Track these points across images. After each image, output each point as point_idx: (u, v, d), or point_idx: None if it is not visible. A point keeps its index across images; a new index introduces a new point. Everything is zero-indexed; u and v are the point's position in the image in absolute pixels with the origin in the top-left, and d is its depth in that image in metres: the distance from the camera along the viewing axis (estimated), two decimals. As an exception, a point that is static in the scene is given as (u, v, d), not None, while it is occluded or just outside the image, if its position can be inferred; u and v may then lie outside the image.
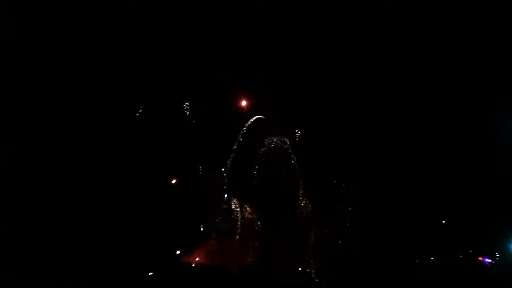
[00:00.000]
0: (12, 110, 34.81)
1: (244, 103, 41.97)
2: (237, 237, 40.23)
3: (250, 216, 40.63)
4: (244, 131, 41.49)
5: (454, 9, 37.28)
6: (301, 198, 40.03)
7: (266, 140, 41.27)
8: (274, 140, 41.07)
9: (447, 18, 37.77)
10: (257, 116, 41.78)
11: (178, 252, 38.82)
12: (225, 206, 40.62)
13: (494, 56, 36.72)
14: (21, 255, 31.91)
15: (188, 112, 41.21)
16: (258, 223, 40.39)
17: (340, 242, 39.46)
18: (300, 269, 39.55)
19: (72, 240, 34.47)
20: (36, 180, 35.37)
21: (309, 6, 39.35)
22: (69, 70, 37.46)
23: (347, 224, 39.50)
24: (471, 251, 38.77)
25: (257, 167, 40.56)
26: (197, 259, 38.73)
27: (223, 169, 40.81)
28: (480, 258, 38.47)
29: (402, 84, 39.34)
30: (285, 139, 41.14)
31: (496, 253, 38.37)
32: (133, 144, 38.28)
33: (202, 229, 39.95)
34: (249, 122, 41.68)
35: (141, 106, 40.00)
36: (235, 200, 40.81)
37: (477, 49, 37.39)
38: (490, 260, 38.27)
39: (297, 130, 41.18)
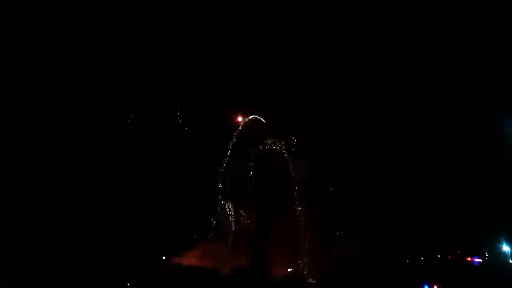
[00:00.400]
0: (12, 111, 35.20)
1: (240, 119, 41.94)
2: (231, 239, 40.24)
3: (244, 219, 40.70)
4: (239, 131, 41.36)
5: (453, 9, 37.65)
6: (295, 200, 40.07)
7: (262, 142, 41.15)
8: (270, 142, 40.98)
9: (447, 18, 38.17)
10: (253, 116, 41.66)
11: (164, 257, 38.88)
12: (219, 209, 40.75)
13: (494, 56, 37.09)
14: (19, 256, 32.41)
15: (181, 115, 41.19)
16: (252, 226, 40.40)
17: (333, 243, 39.72)
18: (291, 270, 39.77)
19: (65, 242, 34.84)
20: (32, 183, 35.84)
21: (310, 7, 39.63)
22: (67, 71, 37.74)
23: (340, 227, 39.68)
24: (459, 251, 39.10)
25: (251, 172, 40.65)
26: (190, 261, 38.48)
27: (219, 171, 40.89)
28: (469, 259, 38.81)
29: (400, 87, 39.73)
30: (281, 142, 41.07)
31: (486, 253, 38.66)
32: (126, 148, 38.38)
33: (195, 231, 40.14)
34: (244, 122, 41.52)
35: (132, 114, 39.99)
36: (229, 203, 40.87)
37: (477, 49, 37.79)
38: (480, 260, 38.51)
39: (293, 138, 41.04)
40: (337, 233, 39.81)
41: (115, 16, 38.36)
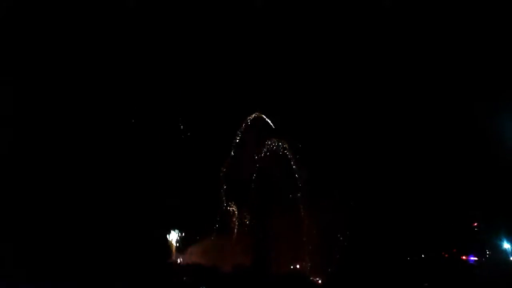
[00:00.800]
0: (12, 111, 35.20)
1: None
2: (234, 237, 40.19)
3: (247, 218, 40.41)
4: (242, 130, 41.00)
5: (454, 9, 37.65)
6: (299, 201, 39.94)
7: (265, 142, 40.84)
8: (273, 142, 40.70)
9: (447, 18, 38.16)
10: (256, 114, 41.21)
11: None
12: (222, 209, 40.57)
13: (494, 56, 37.11)
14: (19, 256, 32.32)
15: (184, 115, 40.93)
16: (255, 226, 40.16)
17: (336, 242, 39.67)
18: (292, 267, 39.84)
19: (66, 241, 34.74)
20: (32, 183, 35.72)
21: (311, 8, 39.66)
22: (67, 72, 37.57)
23: (343, 226, 39.63)
24: (455, 250, 39.13)
25: (255, 172, 40.36)
26: (192, 258, 38.66)
27: (222, 171, 40.58)
28: (464, 257, 38.91)
29: (402, 86, 39.70)
30: (285, 142, 40.75)
31: (487, 250, 38.77)
32: (128, 148, 38.23)
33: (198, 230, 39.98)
34: (247, 120, 41.06)
35: (133, 114, 39.68)
36: (232, 203, 40.65)
37: (478, 48, 37.79)
38: (476, 259, 38.69)
39: (297, 137, 40.70)
40: (340, 233, 39.64)
41: (115, 16, 38.32)
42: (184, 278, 35.14)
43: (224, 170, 40.44)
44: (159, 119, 40.20)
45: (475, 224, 39.40)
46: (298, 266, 39.85)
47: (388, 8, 38.24)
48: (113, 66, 38.48)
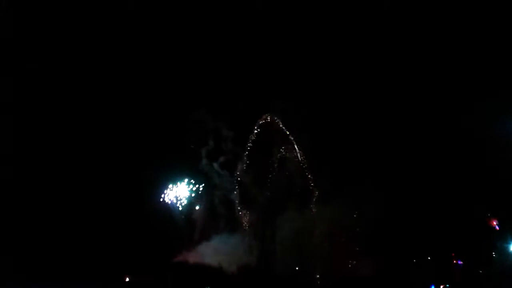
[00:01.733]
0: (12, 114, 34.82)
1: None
2: (242, 238, 39.78)
3: (258, 220, 40.16)
4: (255, 134, 40.47)
5: (454, 9, 37.58)
6: (310, 205, 39.71)
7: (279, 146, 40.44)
8: (286, 150, 40.20)
9: (447, 18, 38.12)
10: (267, 115, 40.73)
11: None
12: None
13: (493, 56, 37.02)
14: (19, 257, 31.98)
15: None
16: (264, 228, 39.81)
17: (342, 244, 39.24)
18: (297, 268, 39.44)
19: (66, 241, 34.67)
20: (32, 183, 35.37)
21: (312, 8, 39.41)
22: (68, 70, 37.41)
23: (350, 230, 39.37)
24: (453, 254, 39.35)
25: (267, 176, 40.01)
26: (200, 257, 38.34)
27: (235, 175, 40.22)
28: (454, 261, 39.12)
29: (412, 88, 39.59)
30: (299, 146, 40.37)
31: (493, 253, 38.66)
32: (134, 145, 38.02)
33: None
34: (259, 123, 40.62)
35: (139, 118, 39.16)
36: (246, 212, 40.29)
37: (477, 50, 37.76)
38: (461, 262, 39.07)
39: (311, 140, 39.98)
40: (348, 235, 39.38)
41: (115, 16, 37.91)
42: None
43: (238, 173, 40.09)
44: (159, 122, 39.51)
45: (481, 226, 39.09)
46: (303, 267, 39.27)
47: (388, 9, 38.28)
48: (112, 67, 38.33)
